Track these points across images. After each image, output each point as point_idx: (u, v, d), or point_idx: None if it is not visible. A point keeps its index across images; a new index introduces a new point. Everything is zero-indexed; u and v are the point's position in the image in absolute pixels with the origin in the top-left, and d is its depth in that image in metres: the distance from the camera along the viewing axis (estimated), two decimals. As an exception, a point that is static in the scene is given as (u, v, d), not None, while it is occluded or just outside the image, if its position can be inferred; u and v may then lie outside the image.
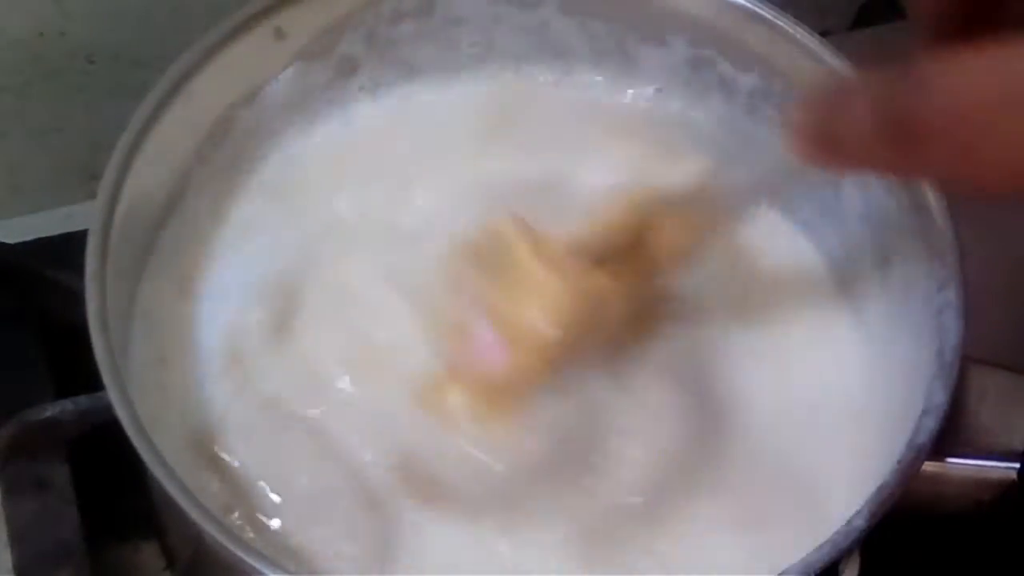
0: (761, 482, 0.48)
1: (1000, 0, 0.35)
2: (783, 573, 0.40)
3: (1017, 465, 0.48)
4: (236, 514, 0.46)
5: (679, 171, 0.53)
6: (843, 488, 0.47)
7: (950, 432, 0.45)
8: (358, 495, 0.47)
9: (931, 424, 0.43)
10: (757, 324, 0.52)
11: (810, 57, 0.52)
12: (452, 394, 0.47)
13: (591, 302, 0.46)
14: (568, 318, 0.46)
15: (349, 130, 0.56)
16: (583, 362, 0.48)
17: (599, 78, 0.57)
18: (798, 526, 0.46)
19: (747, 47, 0.54)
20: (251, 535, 0.45)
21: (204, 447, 0.47)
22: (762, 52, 0.53)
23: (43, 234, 0.60)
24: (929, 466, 0.44)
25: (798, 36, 0.52)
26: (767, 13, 0.52)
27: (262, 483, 0.47)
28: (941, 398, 0.44)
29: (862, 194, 0.52)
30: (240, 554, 0.40)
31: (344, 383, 0.49)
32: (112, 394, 0.42)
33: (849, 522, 0.41)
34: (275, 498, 0.47)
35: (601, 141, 0.56)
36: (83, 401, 0.48)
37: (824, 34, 0.53)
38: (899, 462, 0.43)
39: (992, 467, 0.48)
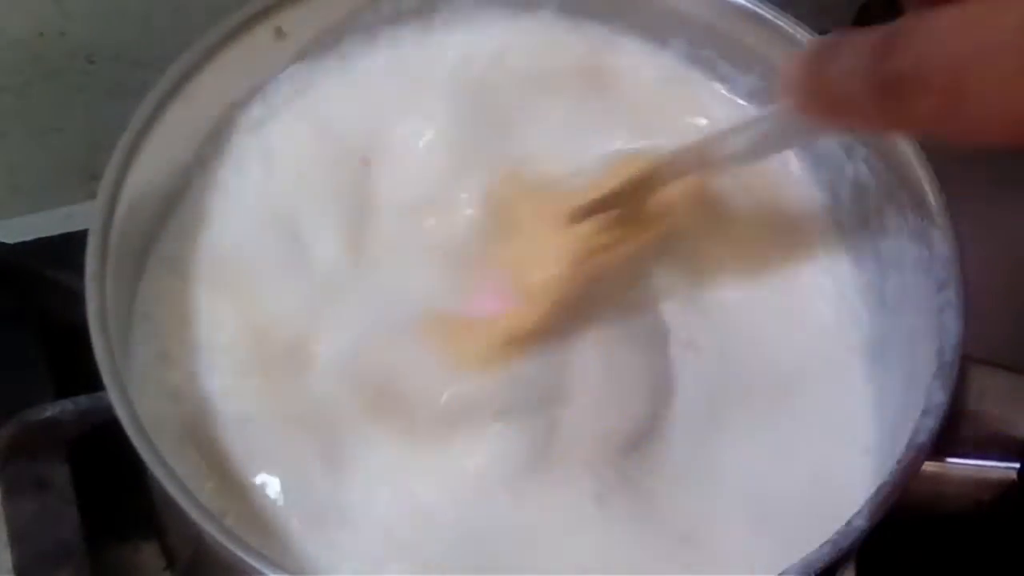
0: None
1: None
2: (783, 573, 0.40)
3: (1017, 465, 0.48)
4: (235, 512, 0.46)
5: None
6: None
7: (950, 432, 0.45)
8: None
9: (931, 424, 0.43)
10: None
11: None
12: (453, 335, 0.48)
13: (591, 251, 0.48)
14: (567, 266, 0.47)
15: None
16: (579, 313, 0.49)
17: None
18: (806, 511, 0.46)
19: (747, 47, 0.54)
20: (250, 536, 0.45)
21: (205, 447, 0.47)
22: (762, 52, 0.53)
23: (43, 234, 0.60)
24: (929, 466, 0.44)
25: (798, 36, 0.52)
26: (767, 13, 0.52)
27: (263, 483, 0.47)
28: (941, 398, 0.44)
29: (862, 194, 0.52)
30: (240, 554, 0.40)
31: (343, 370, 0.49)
32: (112, 394, 0.42)
33: (849, 522, 0.41)
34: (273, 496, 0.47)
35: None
36: (83, 401, 0.48)
37: (824, 34, 0.53)
38: (899, 462, 0.43)
39: (992, 467, 0.48)
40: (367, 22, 0.54)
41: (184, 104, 0.49)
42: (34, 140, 0.66)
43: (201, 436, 0.47)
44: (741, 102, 0.56)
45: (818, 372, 0.51)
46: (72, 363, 0.46)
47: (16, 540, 0.47)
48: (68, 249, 0.48)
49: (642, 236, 0.50)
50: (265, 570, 0.40)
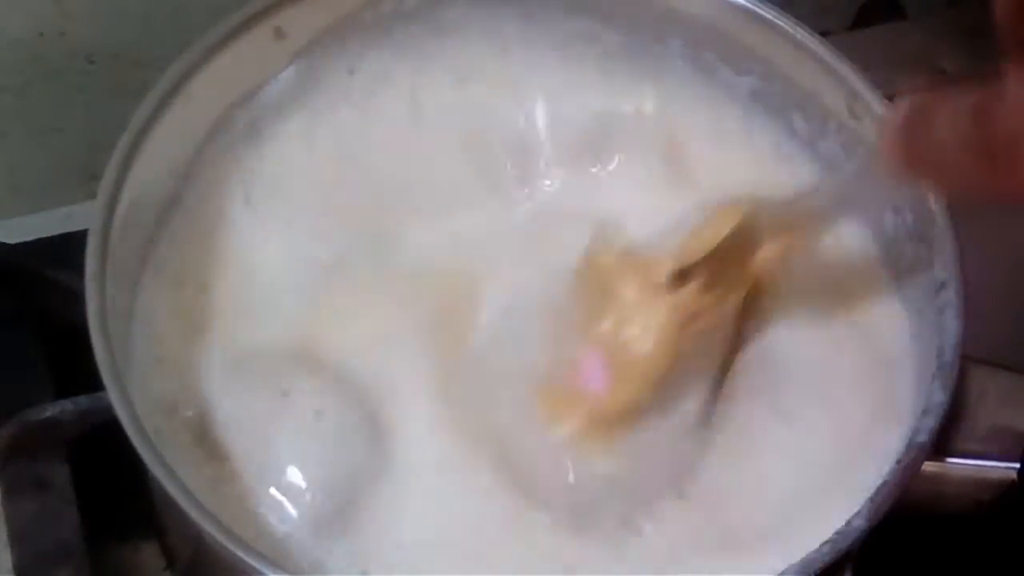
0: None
1: None
2: (783, 573, 0.40)
3: (1017, 465, 0.48)
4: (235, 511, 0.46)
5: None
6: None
7: (950, 432, 0.45)
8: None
9: (931, 424, 0.43)
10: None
11: (810, 57, 0.52)
12: (566, 410, 0.47)
13: (691, 322, 0.47)
14: (668, 338, 0.46)
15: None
16: (683, 382, 0.48)
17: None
18: None
19: (747, 47, 0.54)
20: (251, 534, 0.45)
21: (205, 446, 0.47)
22: (762, 52, 0.53)
23: (43, 234, 0.60)
24: (929, 466, 0.45)
25: (798, 36, 0.52)
26: (767, 13, 0.52)
27: (263, 480, 0.47)
28: (941, 398, 0.44)
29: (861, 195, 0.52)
30: (240, 554, 0.40)
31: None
32: (112, 394, 0.42)
33: (849, 522, 0.41)
34: (276, 494, 0.47)
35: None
36: (83, 401, 0.48)
37: (824, 34, 0.53)
38: (899, 462, 0.43)
39: (992, 467, 0.48)
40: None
41: (184, 104, 0.49)
42: (34, 140, 0.66)
43: (202, 437, 0.47)
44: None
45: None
46: (72, 363, 0.46)
47: (16, 540, 0.47)
48: (68, 249, 0.48)
49: (736, 297, 0.49)
50: (265, 570, 0.40)
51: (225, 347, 0.50)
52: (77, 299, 0.44)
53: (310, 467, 0.47)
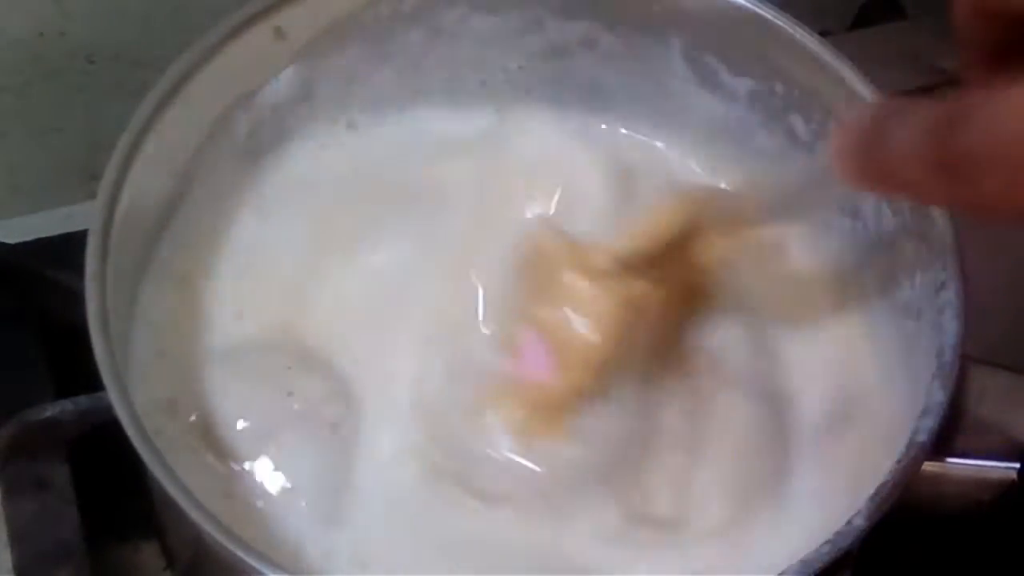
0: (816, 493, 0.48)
1: None
2: (783, 573, 0.40)
3: (1017, 465, 0.48)
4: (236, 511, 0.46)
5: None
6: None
7: (950, 432, 0.45)
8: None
9: (931, 424, 0.43)
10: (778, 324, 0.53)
11: (810, 57, 0.52)
12: (504, 407, 0.48)
13: (634, 310, 0.47)
14: (612, 327, 0.47)
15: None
16: (626, 370, 0.48)
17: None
18: None
19: (746, 47, 0.54)
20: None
21: (205, 446, 0.47)
22: (762, 52, 0.53)
23: (43, 234, 0.60)
24: (929, 466, 0.44)
25: (798, 36, 0.52)
26: (767, 13, 0.52)
27: (265, 479, 0.47)
28: (940, 398, 0.44)
29: (863, 195, 0.52)
30: (240, 554, 0.40)
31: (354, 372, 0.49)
32: (112, 394, 0.42)
33: (849, 522, 0.41)
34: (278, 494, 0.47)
35: None
36: (83, 401, 0.48)
37: (824, 34, 0.53)
38: (899, 462, 0.43)
39: (992, 467, 0.48)
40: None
41: (184, 104, 0.49)
42: (34, 140, 0.66)
43: (202, 436, 0.48)
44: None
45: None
46: (72, 363, 0.46)
47: (16, 540, 0.47)
48: (68, 249, 0.48)
49: (686, 285, 0.49)
50: (265, 570, 0.40)
51: (226, 347, 0.50)
52: (77, 299, 0.44)
53: (310, 465, 0.47)
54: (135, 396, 0.43)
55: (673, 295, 0.49)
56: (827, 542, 0.41)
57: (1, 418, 0.48)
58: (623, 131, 0.58)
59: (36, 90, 0.64)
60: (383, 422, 0.49)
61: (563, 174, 0.54)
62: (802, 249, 0.55)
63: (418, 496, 0.47)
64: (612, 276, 0.47)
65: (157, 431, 0.46)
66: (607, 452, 0.48)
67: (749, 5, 0.53)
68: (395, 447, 0.48)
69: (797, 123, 0.54)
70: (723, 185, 0.55)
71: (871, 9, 0.76)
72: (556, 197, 0.53)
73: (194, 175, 0.52)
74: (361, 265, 0.52)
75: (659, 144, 0.58)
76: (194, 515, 0.40)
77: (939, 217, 0.47)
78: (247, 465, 0.47)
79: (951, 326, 0.46)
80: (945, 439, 0.44)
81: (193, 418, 0.48)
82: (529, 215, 0.53)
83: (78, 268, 0.44)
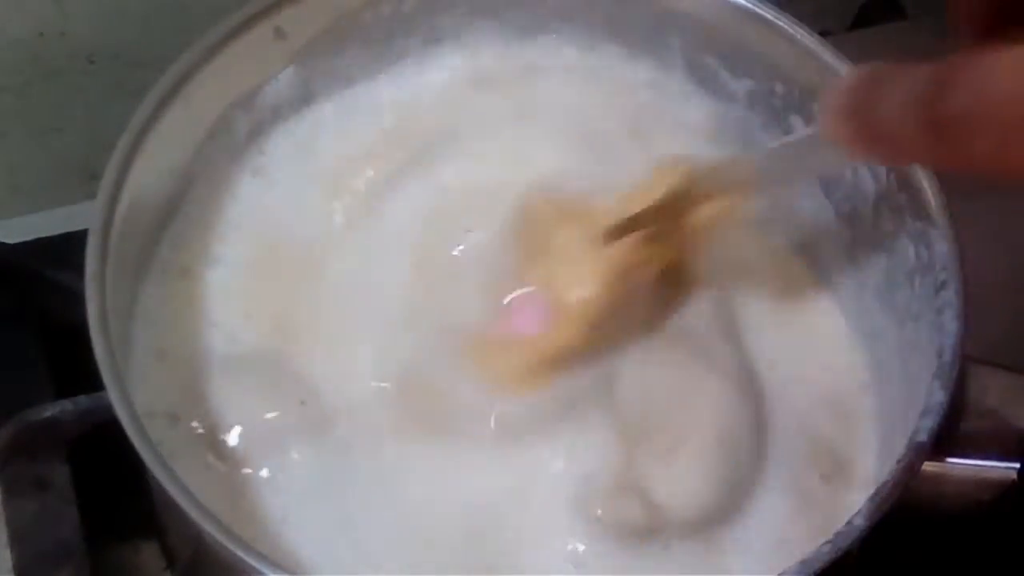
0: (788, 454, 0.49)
1: None
2: (783, 573, 0.40)
3: (1017, 465, 0.47)
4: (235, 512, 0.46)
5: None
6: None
7: (950, 432, 0.45)
8: None
9: (931, 424, 0.43)
10: (760, 302, 0.53)
11: (810, 57, 0.52)
12: (493, 356, 0.48)
13: (624, 271, 0.47)
14: (603, 286, 0.47)
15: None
16: (611, 334, 0.49)
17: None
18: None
19: (747, 47, 0.54)
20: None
21: (205, 446, 0.47)
22: (762, 52, 0.53)
23: (43, 234, 0.60)
24: (929, 466, 0.44)
25: (798, 36, 0.52)
26: (767, 13, 0.52)
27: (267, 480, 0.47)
28: (941, 398, 0.44)
29: (862, 195, 0.52)
30: (240, 554, 0.40)
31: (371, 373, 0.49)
32: (112, 394, 0.42)
33: (849, 522, 0.41)
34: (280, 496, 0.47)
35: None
36: (83, 401, 0.48)
37: (824, 34, 0.53)
38: (899, 462, 0.43)
39: (992, 467, 0.48)
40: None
41: (184, 104, 0.49)
42: (34, 140, 0.66)
43: (202, 437, 0.47)
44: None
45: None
46: (72, 363, 0.46)
47: (16, 540, 0.47)
48: (68, 249, 0.48)
49: (675, 254, 0.50)
50: (265, 570, 0.40)
51: (227, 347, 0.50)
52: (77, 299, 0.44)
53: (312, 464, 0.47)
54: (135, 396, 0.43)
55: (664, 263, 0.49)
56: (827, 542, 0.41)
57: (1, 418, 0.48)
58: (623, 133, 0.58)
59: (36, 90, 0.64)
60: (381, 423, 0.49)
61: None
62: (800, 251, 0.55)
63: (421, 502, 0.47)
64: (607, 238, 0.47)
65: (157, 431, 0.46)
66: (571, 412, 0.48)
67: (749, 5, 0.53)
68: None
69: (797, 123, 0.54)
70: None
71: (871, 9, 0.76)
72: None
73: (194, 175, 0.52)
74: (361, 260, 0.52)
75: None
76: (194, 515, 0.40)
77: (939, 217, 0.48)
78: (247, 465, 0.47)
79: (951, 326, 0.46)
80: (945, 439, 0.44)
81: (193, 420, 0.48)
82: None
83: (78, 268, 0.44)
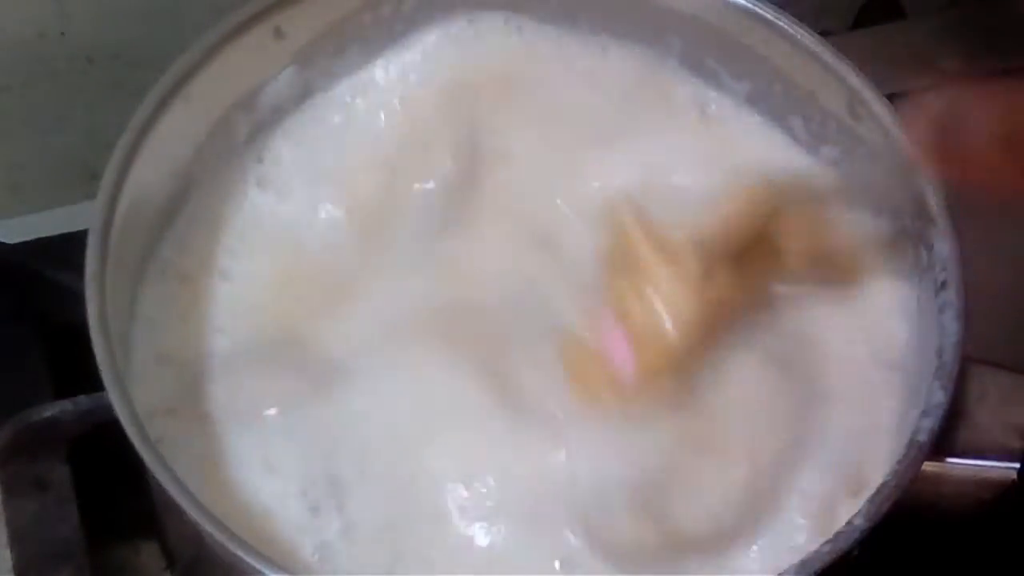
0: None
1: None
2: (783, 574, 0.40)
3: (1017, 465, 0.48)
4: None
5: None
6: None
7: (950, 432, 0.45)
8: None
9: (931, 424, 0.43)
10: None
11: (810, 57, 0.52)
12: (587, 368, 0.47)
13: (715, 306, 0.47)
14: (693, 323, 0.46)
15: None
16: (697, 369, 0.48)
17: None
18: None
19: (747, 47, 0.54)
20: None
21: (206, 447, 0.47)
22: (762, 52, 0.53)
23: (43, 234, 0.60)
24: (929, 466, 0.44)
25: (798, 36, 0.52)
26: (767, 13, 0.52)
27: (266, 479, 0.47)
28: (941, 398, 0.44)
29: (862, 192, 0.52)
30: (240, 554, 0.40)
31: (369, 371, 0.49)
32: (112, 394, 0.42)
33: (849, 522, 0.41)
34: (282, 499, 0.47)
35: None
36: (83, 401, 0.48)
37: (824, 34, 0.53)
38: (899, 462, 0.43)
39: (992, 467, 0.48)
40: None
41: (184, 104, 0.49)
42: (34, 140, 0.66)
43: (202, 436, 0.48)
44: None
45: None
46: (72, 363, 0.46)
47: (16, 540, 0.47)
48: (68, 249, 0.48)
49: (762, 285, 0.49)
50: (265, 570, 0.40)
51: (228, 347, 0.50)
52: (77, 299, 0.44)
53: (311, 464, 0.47)
54: (135, 396, 0.43)
55: (754, 290, 0.49)
56: (827, 542, 0.41)
57: (1, 418, 0.48)
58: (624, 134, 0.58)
59: (36, 90, 0.64)
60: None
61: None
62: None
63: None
64: (699, 272, 0.46)
65: (157, 431, 0.46)
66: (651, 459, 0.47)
67: (749, 5, 0.53)
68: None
69: (797, 124, 0.54)
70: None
71: (871, 9, 0.76)
72: None
73: (194, 175, 0.52)
74: (368, 260, 0.52)
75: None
76: (194, 515, 0.40)
77: (939, 217, 0.48)
78: (248, 465, 0.47)
79: (951, 326, 0.46)
80: (945, 439, 0.44)
81: (194, 419, 0.48)
82: None
83: (78, 268, 0.44)
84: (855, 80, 0.51)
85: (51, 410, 0.49)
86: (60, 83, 0.64)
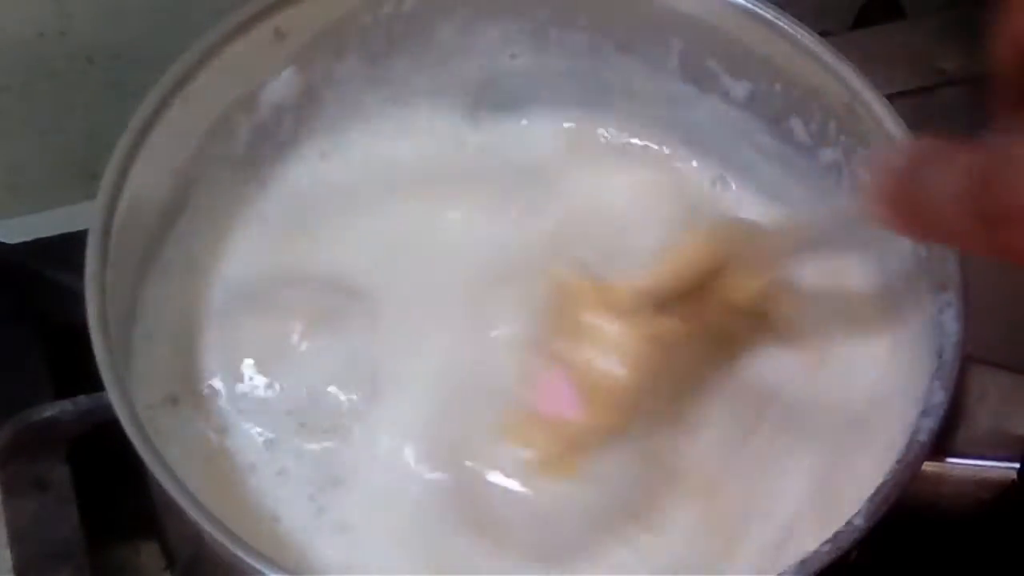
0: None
1: None
2: (783, 574, 0.40)
3: (1017, 465, 0.47)
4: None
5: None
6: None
7: (950, 432, 0.45)
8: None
9: (931, 424, 0.43)
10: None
11: (810, 57, 0.52)
12: (526, 434, 0.47)
13: (661, 347, 0.46)
14: (639, 365, 0.46)
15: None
16: (653, 410, 0.48)
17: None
18: None
19: (746, 48, 0.54)
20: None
21: (206, 447, 0.47)
22: (762, 53, 0.53)
23: (43, 234, 0.60)
24: (929, 466, 0.44)
25: (798, 36, 0.52)
26: (767, 13, 0.52)
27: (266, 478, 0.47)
28: (941, 398, 0.44)
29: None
30: (240, 554, 0.40)
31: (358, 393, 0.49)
32: (112, 394, 0.42)
33: (849, 522, 0.41)
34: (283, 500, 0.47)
35: None
36: (83, 401, 0.48)
37: (824, 34, 0.53)
38: (899, 462, 0.43)
39: (992, 467, 0.48)
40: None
41: (184, 104, 0.49)
42: (34, 140, 0.66)
43: (203, 436, 0.47)
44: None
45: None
46: (72, 363, 0.46)
47: (16, 540, 0.47)
48: (68, 249, 0.48)
49: (709, 320, 0.48)
50: (265, 570, 0.40)
51: (229, 348, 0.50)
52: (77, 299, 0.44)
53: (312, 463, 0.47)
54: (135, 396, 0.43)
55: (703, 331, 0.48)
56: (827, 542, 0.41)
57: (1, 418, 0.48)
58: (624, 136, 0.58)
59: (36, 90, 0.64)
60: (389, 420, 0.48)
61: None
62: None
63: (415, 512, 0.47)
64: (638, 313, 0.46)
65: (157, 431, 0.46)
66: (616, 495, 0.47)
67: (749, 6, 0.53)
68: (396, 448, 0.48)
69: (797, 124, 0.54)
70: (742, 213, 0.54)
71: (871, 9, 0.76)
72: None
73: (195, 175, 0.52)
74: (371, 260, 0.52)
75: (665, 149, 0.57)
76: (194, 515, 0.40)
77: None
78: (248, 465, 0.47)
79: (951, 326, 0.46)
80: (945, 439, 0.44)
81: (194, 419, 0.48)
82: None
83: (78, 268, 0.44)
84: (855, 80, 0.51)
85: (51, 410, 0.49)
86: (60, 83, 0.64)
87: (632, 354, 0.46)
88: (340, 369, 0.49)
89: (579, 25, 0.56)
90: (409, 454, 0.47)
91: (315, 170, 0.55)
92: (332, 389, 0.48)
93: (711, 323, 0.48)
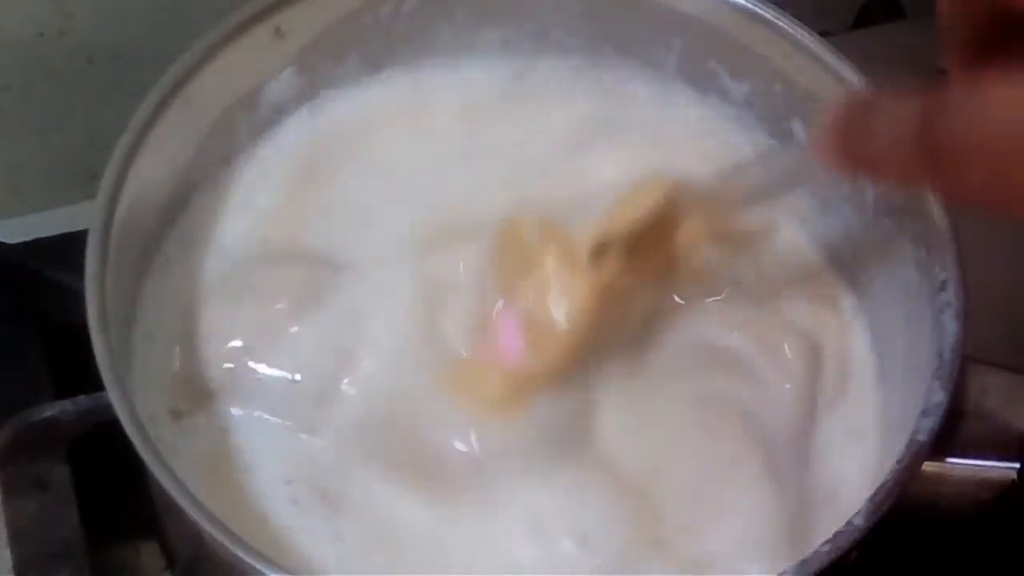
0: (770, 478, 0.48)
1: None
2: (782, 574, 0.40)
3: (1017, 465, 0.48)
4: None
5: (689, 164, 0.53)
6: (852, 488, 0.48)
7: (950, 432, 0.45)
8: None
9: (931, 424, 0.43)
10: (760, 315, 0.52)
11: (810, 57, 0.52)
12: (472, 381, 0.47)
13: (608, 296, 0.47)
14: (585, 312, 0.47)
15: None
16: (595, 355, 0.48)
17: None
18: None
19: (746, 48, 0.54)
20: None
21: (207, 448, 0.47)
22: (762, 53, 0.53)
23: (43, 234, 0.60)
24: (929, 466, 0.44)
25: (798, 36, 0.52)
26: (767, 13, 0.52)
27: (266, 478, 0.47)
28: (940, 398, 0.44)
29: (861, 194, 0.52)
30: (240, 554, 0.40)
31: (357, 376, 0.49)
32: (112, 394, 0.42)
33: (849, 522, 0.41)
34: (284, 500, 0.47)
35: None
36: (83, 401, 0.48)
37: (824, 34, 0.53)
38: (899, 462, 0.43)
39: (992, 467, 0.48)
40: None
41: (184, 104, 0.49)
42: (34, 140, 0.66)
43: (203, 436, 0.48)
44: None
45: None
46: (72, 363, 0.46)
47: (16, 540, 0.47)
48: (68, 249, 0.48)
49: (659, 270, 0.49)
50: (265, 570, 0.40)
51: (229, 347, 0.50)
52: (77, 299, 0.44)
53: (310, 462, 0.47)
54: (135, 396, 0.43)
55: (650, 280, 0.49)
56: (827, 542, 0.41)
57: (1, 418, 0.48)
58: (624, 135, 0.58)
59: (36, 90, 0.64)
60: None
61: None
62: (799, 248, 0.55)
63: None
64: (587, 261, 0.47)
65: (157, 431, 0.46)
66: (555, 436, 0.47)
67: (749, 6, 0.53)
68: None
69: (797, 125, 0.54)
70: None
71: (871, 9, 0.76)
72: None
73: (194, 175, 0.52)
74: (370, 260, 0.52)
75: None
76: (194, 515, 0.40)
77: (938, 217, 0.48)
78: (250, 464, 0.47)
79: (951, 326, 0.46)
80: (945, 439, 0.44)
81: (195, 419, 0.48)
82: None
83: (78, 268, 0.44)
84: (855, 80, 0.51)
85: (51, 410, 0.49)
86: (60, 83, 0.64)
87: (579, 303, 0.47)
88: (328, 345, 0.49)
89: (578, 26, 0.56)
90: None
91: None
92: (323, 368, 0.49)
93: (660, 275, 0.49)
